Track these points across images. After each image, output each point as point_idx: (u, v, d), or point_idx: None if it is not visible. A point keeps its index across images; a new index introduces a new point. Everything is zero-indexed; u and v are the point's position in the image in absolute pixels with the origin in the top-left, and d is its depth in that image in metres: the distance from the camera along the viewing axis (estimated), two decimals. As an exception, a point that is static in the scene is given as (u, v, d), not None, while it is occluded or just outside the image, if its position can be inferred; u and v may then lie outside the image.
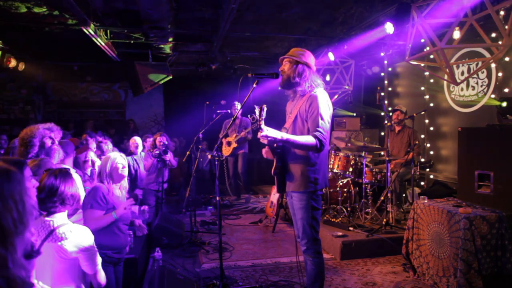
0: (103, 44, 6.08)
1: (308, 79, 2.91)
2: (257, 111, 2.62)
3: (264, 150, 2.99)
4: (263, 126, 2.63)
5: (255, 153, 8.77)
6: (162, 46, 6.62)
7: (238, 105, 6.89)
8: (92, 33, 5.42)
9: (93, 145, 4.87)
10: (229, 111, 6.23)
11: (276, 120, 4.27)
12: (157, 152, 5.46)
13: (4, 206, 1.15)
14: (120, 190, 3.16)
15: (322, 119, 2.79)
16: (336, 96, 7.86)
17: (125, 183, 3.16)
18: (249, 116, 7.02)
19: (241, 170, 7.45)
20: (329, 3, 5.18)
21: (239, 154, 7.44)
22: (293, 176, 2.88)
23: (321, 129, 2.76)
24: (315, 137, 2.75)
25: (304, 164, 2.86)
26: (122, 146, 7.72)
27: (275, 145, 2.83)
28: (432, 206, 3.74)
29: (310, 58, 2.97)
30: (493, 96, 5.19)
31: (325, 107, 2.83)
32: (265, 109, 2.63)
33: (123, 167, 3.07)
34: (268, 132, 2.65)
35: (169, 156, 5.63)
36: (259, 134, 2.66)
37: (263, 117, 2.63)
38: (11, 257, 1.12)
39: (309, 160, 2.85)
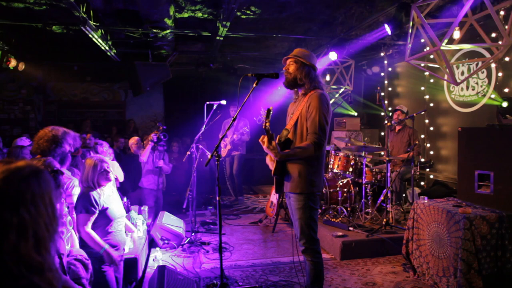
0: (103, 44, 6.08)
1: (313, 80, 2.95)
2: (263, 113, 2.66)
3: (267, 159, 3.05)
4: (268, 134, 2.72)
5: (255, 153, 8.76)
6: (162, 46, 6.62)
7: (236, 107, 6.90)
8: (92, 33, 5.42)
9: (105, 147, 4.86)
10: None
11: (277, 122, 4.27)
12: (155, 136, 5.48)
13: (37, 210, 1.06)
14: (109, 187, 3.17)
15: (320, 119, 2.81)
16: (336, 96, 7.86)
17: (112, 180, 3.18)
18: (255, 118, 7.03)
19: (235, 171, 7.43)
20: (329, 3, 5.18)
21: (234, 155, 7.41)
22: (292, 178, 2.89)
23: (318, 131, 2.80)
24: (312, 141, 2.79)
25: (302, 166, 2.87)
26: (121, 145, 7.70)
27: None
28: (432, 206, 3.75)
29: (314, 60, 3.02)
30: (493, 96, 5.19)
31: (325, 108, 2.85)
32: (272, 111, 2.68)
33: (109, 171, 3.07)
34: (274, 151, 2.76)
35: (162, 162, 5.62)
36: (264, 145, 2.76)
37: (270, 119, 2.70)
38: (46, 262, 1.08)
39: (307, 162, 2.87)
